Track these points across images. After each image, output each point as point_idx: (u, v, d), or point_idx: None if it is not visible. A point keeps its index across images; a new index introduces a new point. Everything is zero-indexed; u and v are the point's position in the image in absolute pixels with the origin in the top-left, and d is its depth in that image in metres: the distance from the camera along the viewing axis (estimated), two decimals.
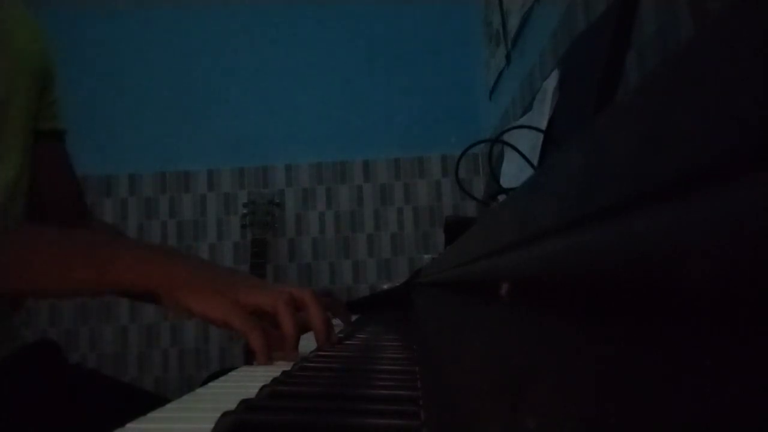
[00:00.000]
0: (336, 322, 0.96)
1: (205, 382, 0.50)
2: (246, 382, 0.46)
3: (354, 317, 1.12)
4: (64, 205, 0.88)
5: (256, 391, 0.36)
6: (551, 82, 0.74)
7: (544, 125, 0.71)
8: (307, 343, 0.62)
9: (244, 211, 2.09)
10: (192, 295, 0.57)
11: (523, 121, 0.79)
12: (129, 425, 0.31)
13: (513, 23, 1.61)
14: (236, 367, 0.57)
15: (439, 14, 2.26)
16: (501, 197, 0.74)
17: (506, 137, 0.76)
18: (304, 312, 0.60)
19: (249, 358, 0.59)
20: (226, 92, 2.29)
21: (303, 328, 0.60)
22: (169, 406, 0.38)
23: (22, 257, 0.63)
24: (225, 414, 0.29)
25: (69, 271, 0.61)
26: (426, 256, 2.05)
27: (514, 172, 0.78)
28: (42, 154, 0.84)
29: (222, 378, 0.50)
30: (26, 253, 0.63)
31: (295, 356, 0.56)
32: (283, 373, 0.45)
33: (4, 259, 0.63)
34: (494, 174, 0.85)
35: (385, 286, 2.06)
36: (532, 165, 0.69)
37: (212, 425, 0.28)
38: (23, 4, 0.84)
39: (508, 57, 1.71)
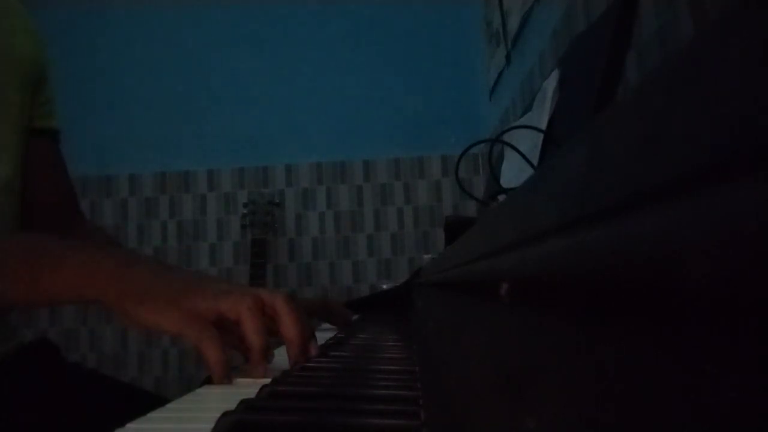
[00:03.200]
0: (326, 326, 0.96)
1: (205, 382, 0.49)
2: (246, 382, 0.46)
3: (354, 317, 1.12)
4: (56, 206, 0.88)
5: (256, 391, 0.36)
6: (551, 82, 0.74)
7: (544, 125, 0.71)
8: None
9: (244, 211, 2.09)
10: (142, 306, 0.50)
11: (523, 121, 0.79)
12: (129, 425, 0.31)
13: (513, 23, 1.61)
14: (236, 367, 0.57)
15: (439, 14, 2.26)
16: (501, 197, 0.74)
17: (506, 137, 0.76)
18: (275, 320, 0.51)
19: (249, 358, 0.50)
20: (226, 92, 2.29)
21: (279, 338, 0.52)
22: (169, 406, 0.38)
23: None
24: (225, 414, 0.29)
25: (5, 281, 0.55)
26: (426, 256, 2.05)
27: (514, 172, 0.78)
28: (34, 153, 0.83)
29: None
30: None
31: (262, 372, 0.47)
32: (283, 373, 0.45)
33: None
34: (494, 174, 0.85)
35: (385, 286, 2.06)
36: (532, 165, 0.69)
37: (212, 425, 0.28)
38: (20, 2, 0.84)
39: (508, 57, 1.71)
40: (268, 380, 0.41)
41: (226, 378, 0.47)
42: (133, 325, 0.51)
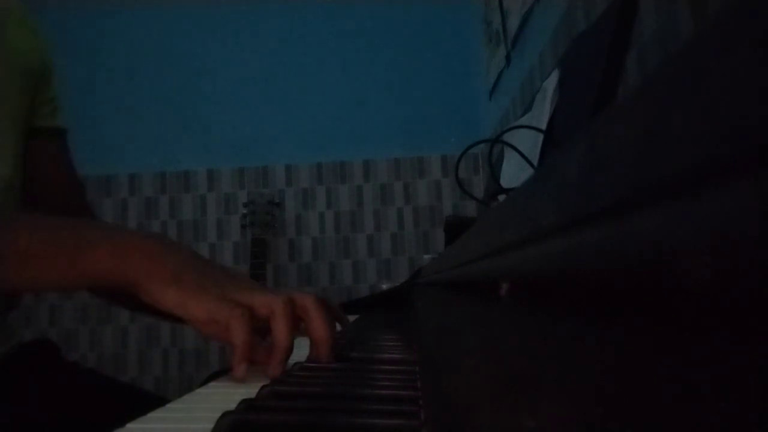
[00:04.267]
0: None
1: (205, 382, 0.49)
2: (246, 382, 0.46)
3: (354, 317, 1.12)
4: (62, 205, 0.88)
5: (256, 391, 0.36)
6: (551, 82, 0.74)
7: (544, 125, 0.71)
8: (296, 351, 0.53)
9: (244, 211, 2.09)
10: (171, 288, 0.49)
11: (523, 121, 0.79)
12: (129, 425, 0.31)
13: (513, 23, 1.61)
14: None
15: (439, 14, 2.26)
16: (501, 197, 0.74)
17: (506, 137, 0.76)
18: (305, 321, 0.51)
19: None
20: (227, 92, 2.29)
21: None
22: (169, 406, 0.38)
23: None
24: (225, 414, 0.29)
25: (40, 263, 0.53)
26: (426, 256, 2.05)
27: (514, 172, 0.78)
28: (39, 152, 0.83)
29: (222, 378, 0.50)
30: None
31: (278, 372, 0.46)
32: (284, 373, 0.45)
33: None
34: (494, 174, 0.85)
35: (384, 286, 2.06)
36: (532, 165, 0.69)
37: (212, 425, 0.28)
38: (22, 2, 0.84)
39: (508, 57, 1.71)
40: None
41: (245, 365, 0.46)
42: (162, 308, 0.49)
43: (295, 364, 0.48)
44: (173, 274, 0.50)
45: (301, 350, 0.58)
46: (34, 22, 0.85)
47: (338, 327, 0.94)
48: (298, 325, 0.50)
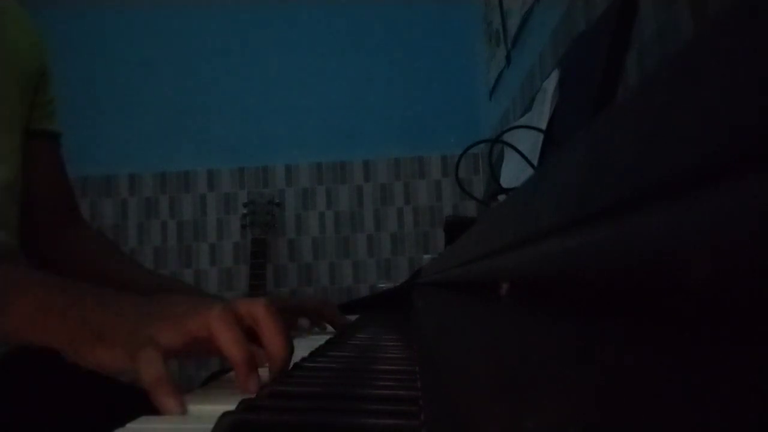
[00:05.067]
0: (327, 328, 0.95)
1: (205, 382, 0.49)
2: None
3: (354, 317, 1.12)
4: (54, 209, 0.87)
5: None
6: (551, 82, 0.74)
7: (544, 125, 0.71)
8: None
9: (244, 211, 2.09)
10: (99, 346, 0.45)
11: (523, 121, 0.79)
12: (129, 425, 0.32)
13: (513, 23, 1.61)
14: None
15: (439, 14, 2.26)
16: (501, 197, 0.74)
17: (506, 137, 0.76)
18: (257, 329, 0.44)
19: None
20: (226, 92, 2.29)
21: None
22: None
23: None
24: (225, 414, 0.29)
25: None
26: (426, 256, 2.05)
27: (514, 172, 0.78)
28: (33, 154, 0.83)
29: (222, 378, 0.50)
30: None
31: (254, 386, 0.40)
32: (283, 373, 0.45)
33: None
34: (494, 174, 0.85)
35: (383, 286, 2.06)
36: (532, 165, 0.69)
37: (212, 425, 0.28)
38: (19, 2, 0.84)
39: (508, 57, 1.71)
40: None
41: (172, 400, 0.38)
42: (94, 369, 0.46)
43: (295, 364, 0.48)
44: (97, 330, 0.46)
45: (299, 351, 0.58)
46: (32, 23, 0.85)
47: (330, 327, 0.94)
48: (246, 332, 0.43)
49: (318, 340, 0.68)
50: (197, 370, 2.17)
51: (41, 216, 0.85)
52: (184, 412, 0.38)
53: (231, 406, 0.31)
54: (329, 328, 0.94)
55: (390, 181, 2.24)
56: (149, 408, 0.36)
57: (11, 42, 0.79)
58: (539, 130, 0.70)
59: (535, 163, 0.69)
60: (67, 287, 0.52)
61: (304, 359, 0.52)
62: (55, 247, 0.86)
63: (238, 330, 0.42)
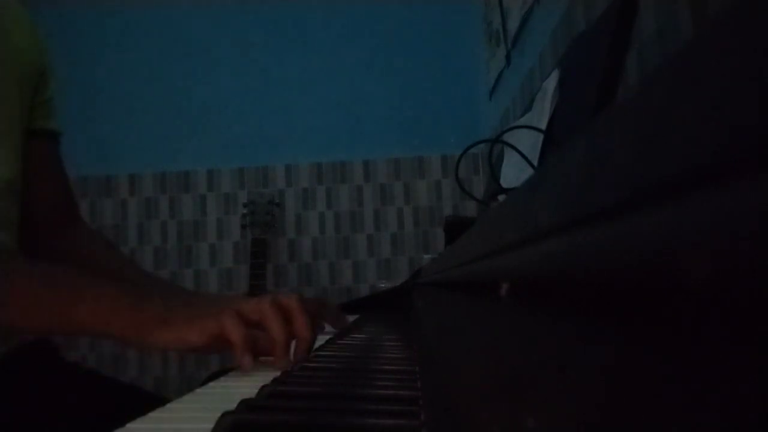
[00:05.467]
0: (327, 328, 0.95)
1: (205, 382, 0.50)
2: (246, 382, 0.46)
3: (354, 317, 1.12)
4: (54, 208, 0.87)
5: (256, 391, 0.36)
6: (551, 82, 0.74)
7: (544, 125, 0.71)
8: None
9: (244, 211, 2.09)
10: (161, 331, 0.53)
11: (523, 121, 0.79)
12: (129, 425, 0.32)
13: (513, 23, 1.61)
14: (236, 367, 0.57)
15: (439, 14, 2.26)
16: (501, 197, 0.74)
17: (506, 137, 0.76)
18: (289, 320, 0.55)
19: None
20: (227, 92, 2.29)
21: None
22: (169, 406, 0.38)
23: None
24: (225, 414, 0.29)
25: (36, 315, 0.58)
26: (426, 256, 2.05)
27: (514, 172, 0.78)
28: (33, 153, 0.83)
29: (222, 378, 0.50)
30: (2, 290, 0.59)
31: (286, 363, 0.51)
32: (283, 373, 0.45)
33: None
34: (494, 174, 0.85)
35: (383, 286, 2.06)
36: (532, 165, 0.69)
37: (212, 425, 0.28)
38: (20, 2, 0.84)
39: (508, 57, 1.71)
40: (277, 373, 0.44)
41: (248, 356, 0.49)
42: (156, 349, 0.54)
43: (296, 363, 0.49)
44: (159, 316, 0.54)
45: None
46: (32, 22, 0.85)
47: (331, 327, 0.94)
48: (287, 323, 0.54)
49: (318, 340, 0.68)
50: (197, 370, 2.17)
51: (41, 216, 0.85)
52: (251, 368, 0.49)
53: (231, 406, 0.31)
54: (328, 327, 0.94)
55: (390, 181, 2.24)
56: (149, 408, 0.36)
57: (12, 42, 0.79)
58: (539, 130, 0.70)
59: (535, 163, 0.69)
60: (126, 287, 0.61)
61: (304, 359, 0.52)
62: (54, 246, 0.86)
63: (283, 319, 0.53)
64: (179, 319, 0.54)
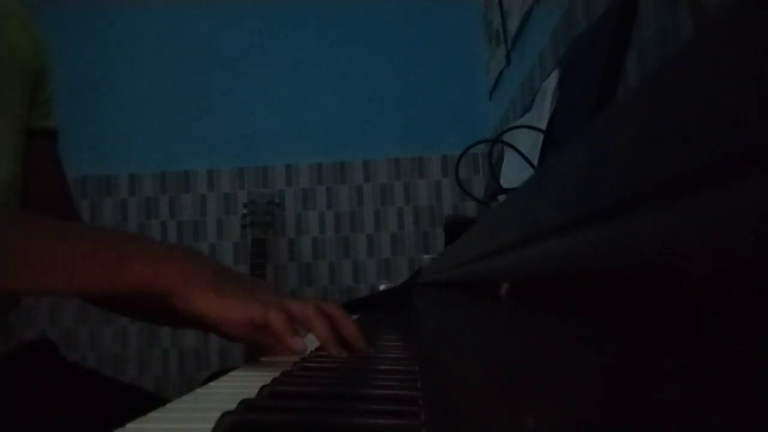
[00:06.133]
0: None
1: (205, 382, 0.49)
2: (246, 382, 0.46)
3: (354, 317, 1.12)
4: (53, 207, 0.87)
5: (256, 391, 0.36)
6: (551, 82, 0.74)
7: (544, 125, 0.71)
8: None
9: (244, 211, 2.09)
10: (209, 293, 0.53)
11: (523, 121, 0.79)
12: (129, 425, 0.31)
13: (513, 23, 1.61)
14: (236, 367, 0.57)
15: (439, 14, 2.26)
16: (501, 197, 0.74)
17: (506, 137, 0.76)
18: (339, 327, 0.57)
19: (249, 359, 0.55)
20: (226, 92, 2.29)
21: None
22: (169, 406, 0.38)
23: (22, 252, 0.57)
24: (225, 414, 0.29)
25: (76, 270, 0.56)
26: (426, 256, 2.05)
27: (514, 172, 0.78)
28: (32, 153, 0.83)
29: (222, 378, 0.50)
30: (26, 247, 0.57)
31: (341, 353, 0.54)
32: (283, 373, 0.45)
33: (4, 253, 0.57)
34: (494, 174, 0.85)
35: (383, 286, 2.06)
36: (532, 165, 0.69)
37: (212, 425, 0.28)
38: (20, 2, 0.84)
39: (508, 57, 1.71)
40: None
41: (295, 338, 0.52)
42: (197, 313, 0.53)
43: (296, 363, 0.49)
44: (209, 281, 0.54)
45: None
46: (32, 21, 0.85)
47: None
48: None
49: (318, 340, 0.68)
50: (197, 370, 2.17)
51: (40, 214, 0.85)
52: (305, 350, 0.53)
53: (231, 406, 0.31)
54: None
55: (390, 181, 2.24)
56: (149, 408, 0.36)
57: (11, 41, 0.79)
58: (539, 130, 0.70)
59: (535, 163, 0.69)
60: (175, 246, 0.63)
61: (304, 359, 0.52)
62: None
63: (327, 324, 0.55)
64: (228, 291, 0.54)
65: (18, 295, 0.82)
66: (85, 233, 0.62)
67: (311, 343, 0.61)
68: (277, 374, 0.44)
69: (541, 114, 0.73)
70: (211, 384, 0.47)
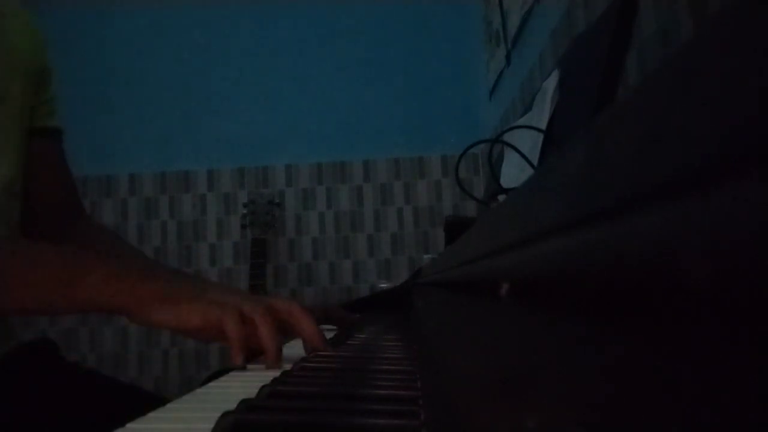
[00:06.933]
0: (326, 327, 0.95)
1: (205, 382, 0.50)
2: (246, 382, 0.46)
3: (354, 317, 1.12)
4: (58, 205, 0.87)
5: (256, 391, 0.36)
6: (551, 82, 0.74)
7: (544, 125, 0.71)
8: (297, 350, 0.60)
9: (244, 211, 2.09)
10: (165, 305, 0.55)
11: (523, 121, 0.79)
12: (129, 425, 0.31)
13: (513, 23, 1.61)
14: (236, 367, 0.57)
15: (439, 14, 2.26)
16: (501, 197, 0.74)
17: (506, 137, 0.76)
18: (291, 323, 0.57)
19: (248, 359, 0.55)
20: (227, 92, 2.29)
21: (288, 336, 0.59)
22: (169, 406, 0.38)
23: None
24: (225, 414, 0.29)
25: (40, 290, 0.59)
26: (426, 256, 2.05)
27: (514, 172, 0.78)
28: (36, 152, 0.83)
29: (222, 378, 0.50)
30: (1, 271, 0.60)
31: (278, 366, 0.53)
32: (283, 373, 0.45)
33: None
34: (494, 174, 0.85)
35: (383, 286, 2.06)
36: (532, 165, 0.69)
37: (212, 425, 0.28)
38: (21, 2, 0.84)
39: (508, 57, 1.71)
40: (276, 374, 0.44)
41: (242, 354, 0.52)
42: (156, 326, 0.55)
43: (296, 363, 0.49)
44: (165, 293, 0.55)
45: (298, 351, 0.58)
46: (33, 22, 0.85)
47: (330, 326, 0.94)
48: (281, 328, 0.56)
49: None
50: (197, 370, 2.17)
51: (45, 213, 0.85)
52: (244, 366, 0.52)
53: (231, 406, 0.31)
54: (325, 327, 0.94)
55: (390, 181, 2.24)
56: (149, 408, 0.36)
57: (13, 41, 0.79)
58: (539, 130, 0.70)
59: (535, 163, 0.69)
60: (134, 262, 0.63)
61: (304, 359, 0.52)
62: (59, 243, 0.86)
63: (274, 326, 0.54)
64: (182, 300, 0.55)
65: None
66: (48, 256, 0.63)
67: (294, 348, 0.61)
68: (277, 374, 0.44)
69: (541, 114, 0.73)
70: (211, 384, 0.47)
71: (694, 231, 0.08)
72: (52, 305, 0.60)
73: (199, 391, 0.44)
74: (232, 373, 0.52)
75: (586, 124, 0.19)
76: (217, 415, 0.29)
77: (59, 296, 0.58)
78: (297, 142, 2.26)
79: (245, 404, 0.31)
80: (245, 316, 0.54)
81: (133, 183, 2.27)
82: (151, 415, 0.35)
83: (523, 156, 0.70)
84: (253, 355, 0.63)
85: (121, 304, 0.56)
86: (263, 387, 0.37)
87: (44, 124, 0.85)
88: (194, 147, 2.27)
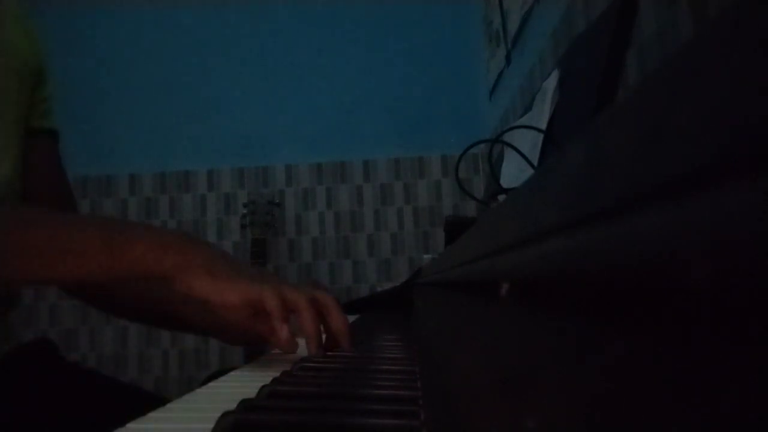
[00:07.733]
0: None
1: (205, 382, 0.49)
2: (246, 382, 0.46)
3: (354, 317, 1.12)
4: (52, 206, 0.87)
5: (256, 391, 0.36)
6: (551, 82, 0.74)
7: (544, 125, 0.71)
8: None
9: (244, 211, 2.09)
10: (207, 279, 0.54)
11: (523, 121, 0.79)
12: (129, 425, 0.31)
13: (513, 23, 1.61)
14: (236, 367, 0.57)
15: (439, 14, 2.26)
16: (501, 197, 0.74)
17: (506, 137, 0.76)
18: (325, 315, 0.58)
19: (249, 359, 0.55)
20: (227, 92, 2.29)
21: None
22: (169, 406, 0.38)
23: (26, 242, 0.57)
24: (225, 414, 0.29)
25: (81, 257, 0.57)
26: (426, 256, 2.05)
27: (514, 172, 0.78)
28: (32, 152, 0.83)
29: (222, 378, 0.50)
30: (31, 238, 0.58)
31: (320, 354, 0.55)
32: (283, 373, 0.45)
33: (4, 245, 0.57)
34: (494, 174, 0.85)
35: (383, 286, 2.06)
36: (532, 165, 0.69)
37: (212, 425, 0.28)
38: (19, 2, 0.84)
39: (508, 57, 1.71)
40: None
41: (286, 327, 0.53)
42: (196, 295, 0.54)
43: (296, 363, 0.49)
44: (206, 265, 0.55)
45: (298, 350, 0.58)
46: (30, 21, 0.85)
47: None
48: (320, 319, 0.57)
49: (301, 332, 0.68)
50: (197, 370, 2.17)
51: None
52: (295, 348, 0.55)
53: (231, 406, 0.31)
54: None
55: (390, 181, 2.24)
56: (149, 408, 0.36)
57: (9, 41, 0.79)
58: (539, 130, 0.70)
59: (535, 163, 0.69)
60: (175, 230, 0.61)
61: (304, 359, 0.52)
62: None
63: (316, 316, 0.56)
64: (224, 274, 0.55)
65: (18, 286, 0.82)
66: (86, 220, 0.63)
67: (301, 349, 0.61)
68: (277, 374, 0.44)
69: (541, 114, 0.73)
70: (211, 384, 0.47)
71: (694, 231, 0.08)
72: (93, 272, 0.57)
73: (199, 391, 0.44)
74: (232, 373, 0.52)
75: (586, 124, 0.19)
76: (217, 415, 0.29)
77: (102, 264, 0.57)
78: (297, 142, 2.26)
79: (245, 404, 0.31)
80: (287, 300, 0.54)
81: (133, 183, 2.27)
82: (151, 415, 0.35)
83: (523, 156, 0.70)
84: (254, 353, 0.63)
85: (167, 270, 0.55)
86: (263, 387, 0.37)
87: (40, 124, 0.85)
88: (194, 147, 2.27)
